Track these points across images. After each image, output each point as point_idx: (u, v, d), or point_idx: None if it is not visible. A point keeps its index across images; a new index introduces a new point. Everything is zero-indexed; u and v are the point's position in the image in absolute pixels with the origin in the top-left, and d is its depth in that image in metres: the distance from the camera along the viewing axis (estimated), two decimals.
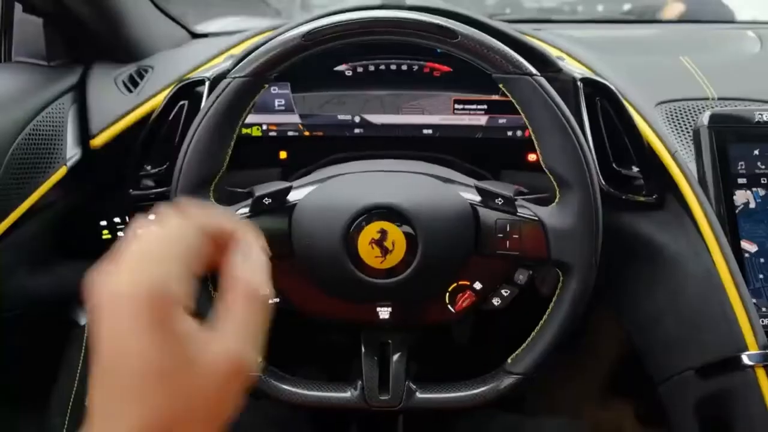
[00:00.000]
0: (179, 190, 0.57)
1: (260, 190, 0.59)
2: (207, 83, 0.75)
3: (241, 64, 0.57)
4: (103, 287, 0.28)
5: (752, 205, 0.68)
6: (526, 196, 0.61)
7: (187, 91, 0.76)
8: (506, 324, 0.69)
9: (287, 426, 0.87)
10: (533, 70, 0.56)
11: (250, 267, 0.31)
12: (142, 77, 0.83)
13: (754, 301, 0.64)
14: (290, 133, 0.83)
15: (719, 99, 0.78)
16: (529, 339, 0.59)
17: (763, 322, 0.63)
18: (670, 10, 1.33)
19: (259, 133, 0.83)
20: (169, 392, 0.26)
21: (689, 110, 0.76)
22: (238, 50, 0.86)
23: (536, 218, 0.57)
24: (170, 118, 0.75)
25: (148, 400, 0.26)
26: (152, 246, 0.29)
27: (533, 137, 0.57)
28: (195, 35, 1.03)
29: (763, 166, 0.69)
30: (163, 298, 0.27)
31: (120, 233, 0.80)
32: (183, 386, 0.27)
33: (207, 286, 0.55)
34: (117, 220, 0.80)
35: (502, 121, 0.81)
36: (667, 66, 0.86)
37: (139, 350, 0.26)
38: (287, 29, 0.63)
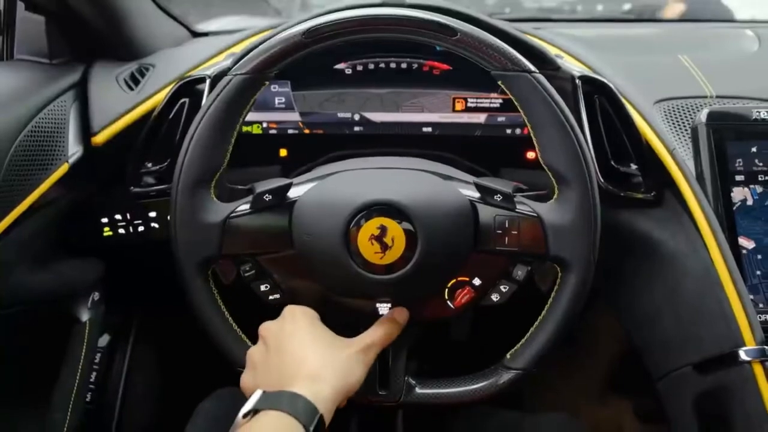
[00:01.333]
0: (180, 187, 0.58)
1: (261, 187, 0.60)
2: (208, 81, 0.75)
3: (241, 61, 0.58)
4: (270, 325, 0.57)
5: (750, 202, 0.68)
6: (525, 193, 0.61)
7: (188, 89, 0.76)
8: (505, 320, 0.69)
9: None
10: (532, 68, 0.56)
11: (392, 313, 0.61)
12: (143, 75, 0.84)
13: (751, 297, 0.64)
14: (290, 131, 0.83)
15: (717, 97, 0.78)
16: (527, 334, 0.59)
17: (760, 318, 0.63)
18: (671, 9, 1.33)
19: (259, 131, 0.83)
20: (338, 366, 0.53)
21: (688, 108, 0.76)
22: (238, 48, 0.87)
23: (535, 214, 0.58)
24: (171, 115, 0.76)
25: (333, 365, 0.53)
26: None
27: (531, 134, 0.57)
28: (196, 34, 1.03)
29: (761, 164, 0.69)
30: (309, 314, 0.58)
31: (121, 230, 0.80)
32: (342, 362, 0.54)
33: None
34: (118, 217, 0.80)
35: (501, 119, 0.81)
36: (665, 64, 0.86)
37: (324, 344, 0.55)
38: (287, 27, 0.63)
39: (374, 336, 0.57)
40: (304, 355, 0.53)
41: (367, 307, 0.61)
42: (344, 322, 0.60)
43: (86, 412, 0.89)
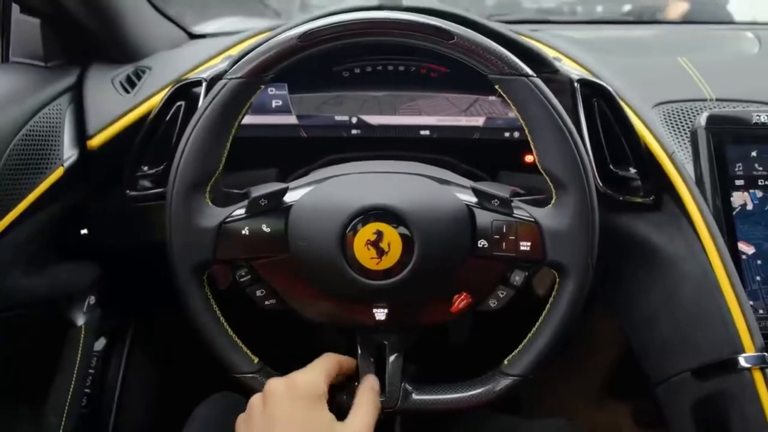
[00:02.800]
0: (175, 191, 0.57)
1: (256, 191, 0.59)
2: (204, 84, 0.75)
3: (236, 65, 0.57)
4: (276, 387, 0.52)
5: (749, 206, 0.68)
6: (523, 198, 0.61)
7: (185, 92, 0.76)
8: (503, 325, 0.69)
9: None
10: (529, 71, 0.56)
11: (370, 385, 0.58)
12: (139, 78, 0.83)
13: (750, 303, 0.64)
14: (287, 134, 0.83)
15: (717, 100, 0.78)
16: (525, 340, 0.59)
17: (760, 324, 0.63)
18: (673, 9, 1.33)
19: (256, 134, 0.82)
20: None
21: (687, 111, 0.76)
22: (235, 51, 0.86)
23: (532, 219, 0.57)
24: (167, 119, 0.75)
25: None
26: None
27: (529, 138, 0.57)
28: (193, 36, 1.03)
29: (761, 168, 0.69)
30: (312, 393, 0.52)
31: None
32: None
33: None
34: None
35: (499, 122, 0.81)
36: (665, 67, 0.86)
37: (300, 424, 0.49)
38: (284, 30, 0.62)
39: (364, 420, 0.54)
40: None
41: (363, 312, 0.61)
42: (340, 328, 0.60)
43: (82, 417, 0.89)
